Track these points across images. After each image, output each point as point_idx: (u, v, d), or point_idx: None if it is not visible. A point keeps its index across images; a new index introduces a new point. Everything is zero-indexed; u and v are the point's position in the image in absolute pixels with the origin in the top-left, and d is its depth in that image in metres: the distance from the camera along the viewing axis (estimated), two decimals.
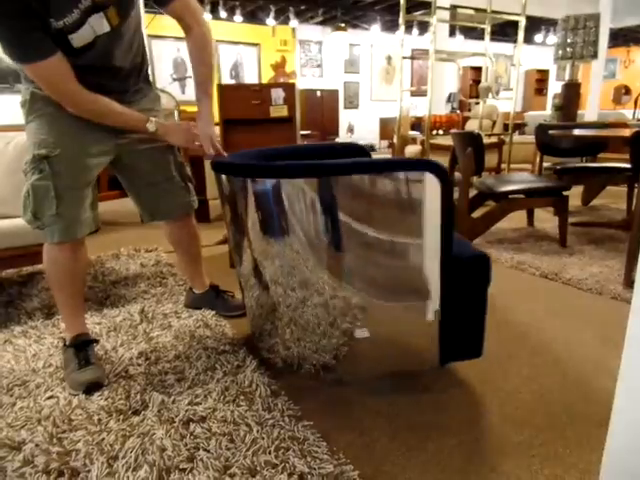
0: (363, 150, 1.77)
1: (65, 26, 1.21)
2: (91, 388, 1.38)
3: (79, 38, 1.26)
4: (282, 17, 9.25)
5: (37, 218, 1.37)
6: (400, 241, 1.19)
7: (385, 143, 10.59)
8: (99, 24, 1.27)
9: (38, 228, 1.40)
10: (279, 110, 2.39)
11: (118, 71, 1.42)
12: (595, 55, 4.86)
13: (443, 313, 1.24)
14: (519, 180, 2.96)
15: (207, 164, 1.48)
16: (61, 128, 1.35)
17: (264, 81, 9.60)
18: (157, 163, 1.60)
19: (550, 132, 3.31)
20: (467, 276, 1.24)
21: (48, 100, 1.34)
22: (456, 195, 2.85)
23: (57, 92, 1.31)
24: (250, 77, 9.66)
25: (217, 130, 2.36)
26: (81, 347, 1.49)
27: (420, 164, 1.15)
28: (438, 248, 1.17)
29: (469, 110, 8.66)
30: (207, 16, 8.32)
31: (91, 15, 1.24)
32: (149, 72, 1.61)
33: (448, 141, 4.52)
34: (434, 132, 5.95)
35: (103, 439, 1.18)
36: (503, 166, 4.54)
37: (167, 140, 1.52)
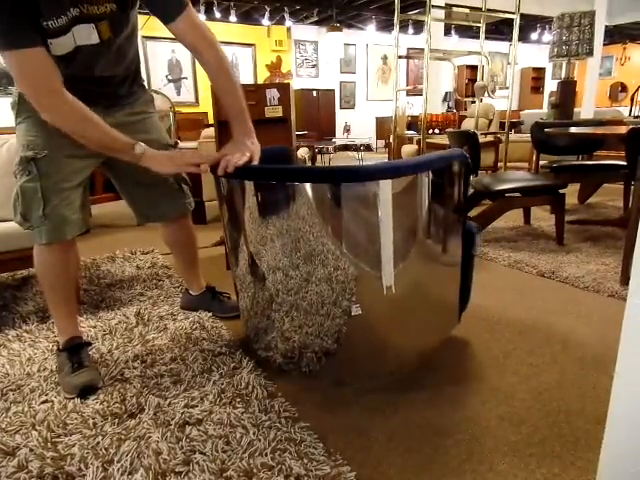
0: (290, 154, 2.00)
1: (49, 28, 1.18)
2: (86, 391, 1.37)
3: (58, 45, 1.22)
4: (277, 17, 9.25)
5: (26, 219, 1.37)
6: (437, 219, 1.40)
7: (382, 143, 10.60)
8: (85, 35, 1.25)
9: (28, 229, 1.39)
10: (274, 111, 2.38)
11: (108, 79, 1.40)
12: (591, 53, 4.87)
13: (462, 272, 1.54)
14: (515, 178, 2.95)
15: None
16: (50, 129, 1.33)
17: (260, 81, 9.59)
18: None
19: (546, 130, 3.31)
20: (469, 242, 1.56)
21: None
22: None
23: (36, 90, 1.22)
24: (246, 78, 9.65)
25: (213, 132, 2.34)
26: (74, 350, 1.48)
27: (455, 155, 1.36)
28: (461, 221, 1.47)
29: (465, 109, 8.68)
30: (201, 17, 8.30)
31: (76, 25, 1.22)
32: (142, 76, 1.60)
33: (444, 140, 4.52)
34: (430, 131, 5.95)
35: (98, 443, 1.17)
36: (499, 165, 4.54)
37: (150, 167, 1.35)
